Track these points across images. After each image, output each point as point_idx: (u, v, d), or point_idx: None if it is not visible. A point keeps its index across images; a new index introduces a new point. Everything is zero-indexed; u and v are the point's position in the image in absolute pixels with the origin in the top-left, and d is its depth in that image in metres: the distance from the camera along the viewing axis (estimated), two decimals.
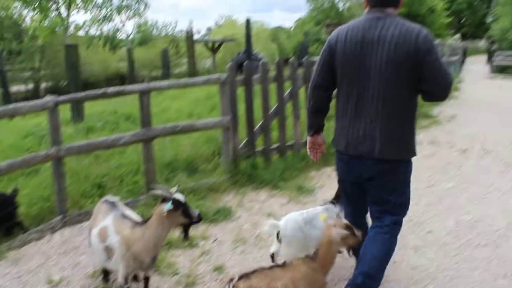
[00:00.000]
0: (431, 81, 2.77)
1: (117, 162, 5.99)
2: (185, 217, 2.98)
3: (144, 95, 4.89)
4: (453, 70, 19.36)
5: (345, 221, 2.98)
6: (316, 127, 3.26)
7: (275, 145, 6.18)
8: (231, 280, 2.63)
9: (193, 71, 20.41)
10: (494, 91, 14.64)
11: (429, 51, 2.72)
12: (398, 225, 3.13)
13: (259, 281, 2.66)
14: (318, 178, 5.91)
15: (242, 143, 5.87)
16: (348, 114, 2.96)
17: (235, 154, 5.68)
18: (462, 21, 49.55)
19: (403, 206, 3.12)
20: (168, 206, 2.89)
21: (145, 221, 3.10)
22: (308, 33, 32.84)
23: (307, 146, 3.40)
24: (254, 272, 2.71)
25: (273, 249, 3.63)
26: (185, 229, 3.10)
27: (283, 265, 2.87)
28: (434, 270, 3.80)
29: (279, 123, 6.12)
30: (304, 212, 3.67)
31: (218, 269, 3.80)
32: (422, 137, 8.15)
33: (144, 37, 38.37)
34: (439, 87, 2.80)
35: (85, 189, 5.24)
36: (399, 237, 3.21)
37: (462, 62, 24.92)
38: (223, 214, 4.79)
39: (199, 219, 3.02)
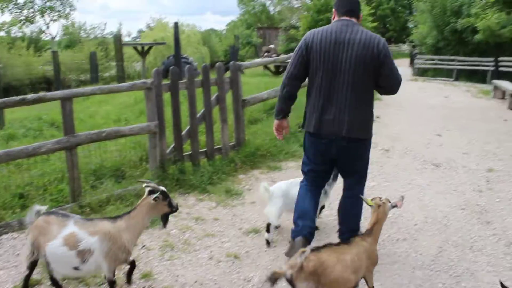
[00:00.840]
0: (388, 78, 3.62)
1: (41, 170, 5.80)
2: (169, 206, 3.51)
3: (66, 101, 4.77)
4: None
5: (383, 198, 3.54)
6: (285, 112, 3.99)
7: (203, 150, 6.21)
8: (303, 252, 2.95)
9: (122, 75, 20.00)
10: (415, 92, 15.41)
11: (387, 55, 3.56)
12: (362, 189, 3.99)
13: (329, 254, 3.04)
14: (246, 181, 6.00)
15: (170, 148, 5.86)
16: (320, 101, 3.64)
17: (163, 159, 5.66)
18: (386, 26, 51.65)
19: (365, 175, 4.00)
20: (157, 195, 3.36)
21: (125, 214, 3.41)
22: (238, 36, 32.99)
23: (274, 128, 4.13)
24: (324, 246, 3.12)
25: (266, 236, 4.35)
26: (166, 217, 3.61)
27: (347, 242, 3.32)
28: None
29: (206, 127, 6.16)
30: (289, 181, 4.50)
31: (146, 276, 3.78)
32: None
33: (72, 40, 37.17)
34: (394, 83, 3.66)
35: (5, 200, 5.03)
36: (323, 236, 4.33)
37: None
38: (151, 220, 4.75)
39: (177, 208, 3.61)
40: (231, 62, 6.51)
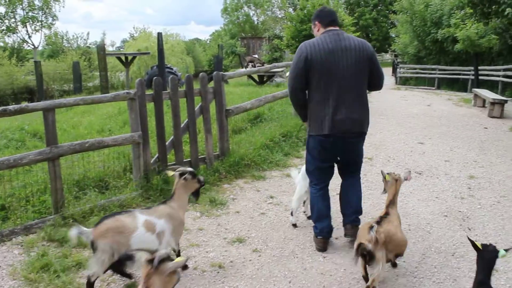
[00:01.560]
0: (377, 76, 4.20)
1: (23, 181, 5.73)
2: (198, 182, 4.06)
3: (48, 112, 4.74)
4: None
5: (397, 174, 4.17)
6: (304, 115, 4.36)
7: (187, 160, 6.20)
8: (372, 227, 3.53)
9: (105, 85, 19.91)
10: (398, 101, 15.60)
11: (375, 55, 4.17)
12: (360, 175, 4.57)
13: (387, 225, 3.67)
14: (230, 191, 6.00)
15: (154, 158, 5.84)
16: (331, 105, 4.03)
17: (147, 170, 5.64)
18: (369, 35, 52.24)
19: (361, 163, 4.57)
20: (186, 175, 3.92)
21: (169, 198, 3.95)
22: (222, 46, 33.07)
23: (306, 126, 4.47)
24: (380, 219, 3.72)
25: (291, 219, 4.98)
26: (197, 193, 4.17)
27: (387, 212, 3.89)
28: (341, 274, 4.01)
29: (190, 137, 6.16)
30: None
31: (131, 286, 3.76)
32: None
33: (54, 49, 36.92)
34: (381, 79, 4.29)
35: None
36: (308, 245, 4.50)
37: None
38: None
39: (204, 183, 4.21)
40: (215, 72, 6.53)
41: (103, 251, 3.42)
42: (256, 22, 60.27)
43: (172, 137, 5.99)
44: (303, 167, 4.85)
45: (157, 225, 3.64)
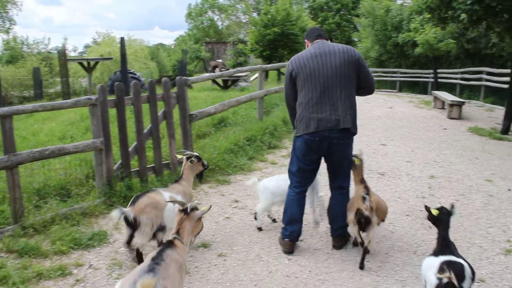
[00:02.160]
0: (367, 79, 4.32)
1: None
2: (202, 166, 4.82)
3: (5, 119, 4.61)
4: None
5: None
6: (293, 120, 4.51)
7: (151, 165, 6.14)
8: (365, 197, 4.13)
9: (67, 91, 19.50)
10: (361, 104, 15.70)
11: (363, 60, 4.32)
12: (349, 188, 4.61)
13: (373, 196, 4.27)
14: (195, 196, 5.95)
15: (117, 165, 5.76)
16: (316, 104, 4.18)
17: (110, 176, 5.55)
18: (333, 40, 52.92)
19: (350, 175, 4.59)
20: (192, 158, 4.67)
21: (179, 178, 4.68)
22: (186, 51, 32.90)
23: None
24: (367, 192, 4.26)
25: (255, 223, 5.07)
26: (201, 175, 5.03)
27: (366, 187, 4.43)
28: (306, 276, 4.05)
29: (153, 143, 6.09)
30: (274, 177, 5.16)
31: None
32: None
33: (13, 55, 35.88)
34: (371, 83, 4.40)
35: None
36: (273, 248, 4.57)
37: None
38: (98, 239, 4.64)
39: (208, 166, 4.98)
40: (177, 77, 6.48)
41: (145, 224, 4.02)
42: (220, 27, 60.19)
43: (135, 143, 5.91)
44: (265, 180, 5.07)
45: (178, 199, 4.11)
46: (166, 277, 2.82)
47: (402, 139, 9.79)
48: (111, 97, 5.65)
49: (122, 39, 15.16)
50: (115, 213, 3.95)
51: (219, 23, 61.81)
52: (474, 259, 4.32)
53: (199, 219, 3.42)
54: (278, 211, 5.40)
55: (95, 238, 4.64)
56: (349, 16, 48.08)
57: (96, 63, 22.74)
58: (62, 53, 20.63)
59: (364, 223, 4.12)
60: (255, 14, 38.69)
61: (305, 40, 4.57)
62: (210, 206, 3.68)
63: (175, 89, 6.47)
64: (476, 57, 18.75)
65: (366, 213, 4.07)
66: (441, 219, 3.59)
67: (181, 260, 3.09)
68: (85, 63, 22.02)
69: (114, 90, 5.62)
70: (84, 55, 42.54)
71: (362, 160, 4.65)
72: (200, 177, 5.12)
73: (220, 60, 27.24)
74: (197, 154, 4.82)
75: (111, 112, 5.61)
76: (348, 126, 4.19)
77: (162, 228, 4.17)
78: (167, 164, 6.32)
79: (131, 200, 4.17)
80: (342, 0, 48.63)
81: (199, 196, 5.97)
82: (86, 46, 46.88)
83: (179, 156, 4.82)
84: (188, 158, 4.71)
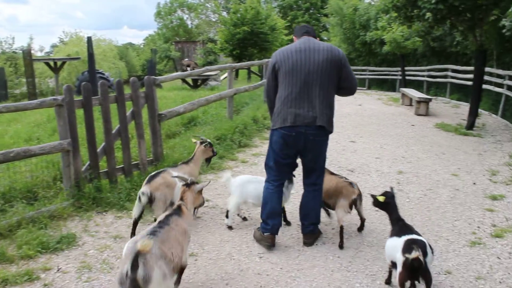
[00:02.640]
0: (348, 80, 4.35)
1: None
2: (212, 152, 5.55)
3: None
4: None
5: None
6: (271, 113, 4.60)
7: (120, 166, 6.07)
8: (352, 183, 4.73)
9: (33, 92, 19.08)
10: None
11: (346, 60, 4.34)
12: (322, 185, 4.67)
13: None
14: None
15: (85, 166, 5.66)
16: (294, 99, 4.25)
17: (78, 178, 5.46)
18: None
19: (324, 173, 4.70)
20: (207, 143, 5.41)
21: (190, 159, 5.34)
22: (155, 50, 32.61)
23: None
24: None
25: (226, 221, 5.08)
26: (209, 160, 5.75)
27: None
28: (278, 273, 4.06)
29: (122, 143, 6.02)
30: (249, 176, 5.23)
31: None
32: (266, 148, 8.60)
33: None
34: (353, 83, 4.42)
35: None
36: (244, 246, 4.55)
37: None
38: (67, 242, 4.55)
39: (216, 153, 5.73)
40: (146, 77, 6.42)
41: (159, 200, 4.64)
42: (190, 26, 59.85)
43: (103, 143, 5.82)
44: (239, 177, 5.14)
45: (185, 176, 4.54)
46: (165, 240, 3.23)
47: (371, 136, 9.93)
48: (79, 98, 5.55)
49: (89, 38, 14.87)
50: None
51: (188, 22, 61.48)
52: (441, 252, 4.43)
53: (199, 192, 3.98)
54: (249, 210, 5.42)
55: (63, 241, 4.55)
56: (318, 15, 48.45)
57: (63, 63, 22.32)
58: (27, 53, 20.17)
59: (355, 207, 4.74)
60: (224, 13, 38.59)
61: (293, 36, 4.63)
62: (209, 181, 4.56)
63: (144, 89, 6.40)
64: (442, 55, 19.15)
65: (355, 196, 4.64)
66: (389, 203, 3.94)
67: (185, 226, 3.59)
68: (51, 63, 21.58)
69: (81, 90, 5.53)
70: (51, 55, 41.63)
71: None
72: (208, 162, 5.80)
73: (191, 60, 27.07)
74: (209, 140, 5.57)
75: (79, 113, 5.51)
76: (324, 124, 4.27)
77: (172, 204, 4.57)
78: (137, 165, 6.25)
79: (146, 179, 4.78)
80: None
81: None
82: (53, 46, 45.89)
83: (194, 140, 5.59)
84: (202, 143, 5.45)
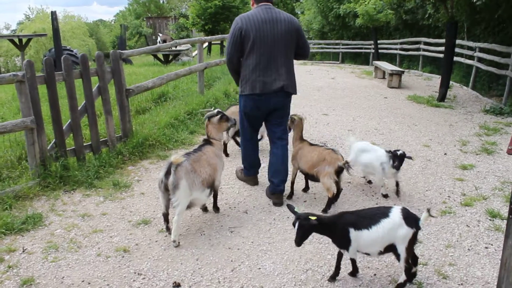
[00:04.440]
0: (304, 46, 4.84)
1: None
2: (227, 121, 4.74)
3: None
4: None
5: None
6: (237, 80, 4.94)
7: (87, 144, 5.90)
8: (334, 149, 4.77)
9: None
10: (303, 76, 15.87)
11: (302, 30, 4.83)
12: (287, 138, 5.08)
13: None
14: (135, 173, 5.81)
15: (51, 144, 5.49)
16: (262, 67, 4.62)
17: (43, 157, 5.29)
18: None
19: (287, 128, 5.07)
20: (217, 117, 4.62)
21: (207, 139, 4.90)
22: (125, 26, 31.90)
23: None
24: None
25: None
26: (228, 130, 5.48)
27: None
28: (249, 247, 4.03)
29: (89, 120, 5.84)
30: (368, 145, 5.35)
31: (27, 282, 3.51)
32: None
33: None
34: (307, 49, 4.92)
35: None
36: (215, 221, 4.53)
37: None
38: (33, 222, 4.41)
39: (235, 122, 4.84)
40: (112, 51, 6.21)
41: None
42: (161, 1, 58.67)
43: (69, 120, 5.64)
44: (360, 143, 5.38)
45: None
46: (196, 160, 4.11)
47: (343, 109, 9.91)
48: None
49: (53, 13, 14.29)
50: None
51: None
52: None
53: (220, 121, 4.58)
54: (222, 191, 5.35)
55: (29, 222, 4.41)
56: None
57: (29, 40, 21.61)
58: None
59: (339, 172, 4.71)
60: None
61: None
62: (218, 112, 4.67)
63: (110, 64, 6.20)
64: (414, 28, 19.18)
65: (341, 163, 4.64)
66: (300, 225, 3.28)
67: (218, 152, 4.48)
68: (16, 40, 20.88)
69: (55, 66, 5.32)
70: (14, 32, 40.31)
71: (302, 119, 5.07)
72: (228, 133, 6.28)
73: (167, 36, 26.52)
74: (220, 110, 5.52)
75: (43, 90, 5.31)
76: (289, 90, 4.77)
77: None
78: (105, 142, 6.10)
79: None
80: None
81: (139, 173, 5.82)
82: (19, 23, 44.51)
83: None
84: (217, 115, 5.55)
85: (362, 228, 3.24)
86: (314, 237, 4.16)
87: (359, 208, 4.78)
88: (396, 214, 3.23)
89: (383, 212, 3.28)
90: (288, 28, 4.61)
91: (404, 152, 4.88)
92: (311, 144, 5.00)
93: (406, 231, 3.17)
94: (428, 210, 3.26)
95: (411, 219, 3.22)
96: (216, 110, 4.62)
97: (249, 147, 5.23)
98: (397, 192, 5.12)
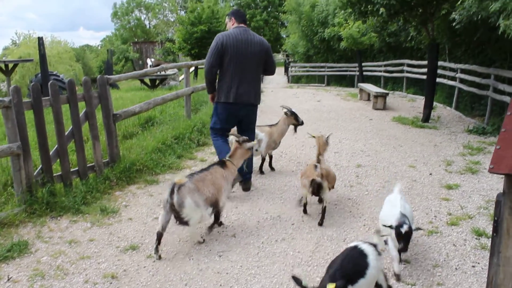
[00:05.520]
0: (271, 65, 5.86)
1: None
2: (296, 120, 6.63)
3: None
4: None
5: None
6: (213, 89, 5.72)
7: (75, 169, 5.88)
8: (316, 166, 4.99)
9: None
10: (290, 99, 16.06)
11: (270, 49, 5.79)
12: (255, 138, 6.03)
13: (323, 165, 5.13)
14: (122, 198, 5.78)
15: (37, 170, 5.46)
16: (235, 81, 5.51)
17: (30, 182, 5.25)
18: (261, 35, 53.26)
19: (254, 131, 6.07)
20: (288, 113, 6.61)
21: (275, 123, 6.69)
22: (112, 51, 32.03)
23: (209, 98, 5.96)
24: (318, 161, 5.12)
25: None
26: (295, 127, 6.80)
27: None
28: (237, 271, 4.02)
29: (76, 145, 5.83)
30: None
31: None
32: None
33: None
34: (274, 67, 5.98)
35: None
36: (203, 246, 4.52)
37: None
38: (18, 250, 4.35)
39: (302, 122, 6.74)
40: (99, 76, 6.24)
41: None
42: (148, 26, 59.13)
43: (56, 146, 5.62)
44: (390, 196, 4.33)
45: (259, 135, 6.47)
46: (200, 180, 4.39)
47: (330, 131, 9.98)
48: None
49: (39, 38, 14.40)
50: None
51: (146, 22, 60.74)
52: None
53: (248, 149, 5.03)
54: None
55: (14, 249, 4.35)
56: (276, 13, 48.68)
57: (15, 65, 21.59)
58: None
59: (317, 188, 4.85)
60: (182, 12, 38.25)
61: (232, 17, 5.68)
62: (256, 142, 5.99)
63: (97, 89, 6.22)
64: (398, 50, 19.50)
65: (318, 179, 4.83)
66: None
67: (226, 174, 4.69)
68: (2, 66, 20.84)
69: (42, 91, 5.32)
70: (4, 58, 40.28)
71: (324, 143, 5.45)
72: (295, 130, 6.89)
73: (153, 59, 26.61)
74: (293, 110, 6.75)
75: (30, 116, 5.30)
76: (256, 103, 5.80)
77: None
78: (92, 167, 6.08)
79: None
80: None
81: (126, 198, 5.79)
82: (5, 48, 44.46)
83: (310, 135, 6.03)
84: (286, 114, 6.70)
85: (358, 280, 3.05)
86: (303, 259, 4.18)
87: (347, 229, 4.81)
88: (370, 251, 3.21)
89: (360, 253, 3.18)
90: (260, 49, 5.54)
91: (409, 225, 3.71)
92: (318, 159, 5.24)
93: (381, 261, 3.21)
94: (377, 232, 3.32)
95: (376, 247, 3.25)
96: (242, 138, 5.10)
97: (220, 142, 5.85)
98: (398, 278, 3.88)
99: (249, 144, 5.02)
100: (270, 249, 4.42)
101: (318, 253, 4.33)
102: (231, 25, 5.67)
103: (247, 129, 5.84)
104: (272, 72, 5.96)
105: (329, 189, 5.19)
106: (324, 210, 4.99)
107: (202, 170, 4.62)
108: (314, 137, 5.45)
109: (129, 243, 4.56)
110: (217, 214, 4.73)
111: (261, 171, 6.87)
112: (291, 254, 4.31)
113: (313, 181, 4.82)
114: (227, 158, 4.88)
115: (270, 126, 6.73)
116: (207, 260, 4.21)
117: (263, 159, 6.88)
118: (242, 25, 5.62)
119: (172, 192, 4.11)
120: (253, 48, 5.48)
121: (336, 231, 4.79)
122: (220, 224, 4.91)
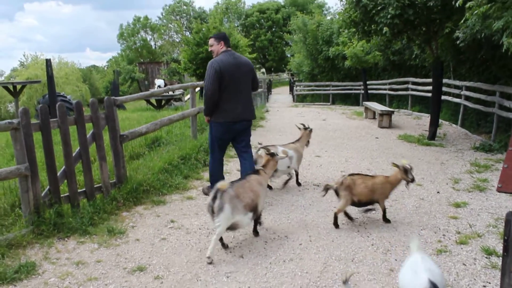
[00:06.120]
0: (256, 83, 6.37)
1: None
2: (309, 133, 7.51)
3: None
4: (259, 101, 20.82)
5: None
6: (212, 112, 6.10)
7: (82, 190, 5.90)
8: (344, 175, 5.45)
9: None
10: (295, 118, 16.10)
11: (254, 69, 6.35)
12: (251, 149, 6.47)
13: (358, 177, 5.44)
14: (130, 218, 5.78)
15: (45, 191, 5.48)
16: (232, 102, 5.98)
17: (37, 204, 5.26)
18: (266, 56, 53.70)
19: (250, 141, 6.45)
20: (310, 129, 7.48)
21: (297, 140, 7.31)
22: (118, 71, 32.31)
23: (206, 119, 6.30)
24: (356, 174, 5.60)
25: None
26: (308, 143, 7.55)
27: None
28: None
29: (83, 166, 5.86)
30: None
31: None
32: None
33: None
34: (257, 85, 6.52)
35: None
36: (211, 267, 4.48)
37: (268, 93, 27.11)
38: (26, 271, 4.34)
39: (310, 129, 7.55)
40: (106, 97, 6.29)
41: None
42: (154, 47, 59.71)
43: (64, 167, 5.65)
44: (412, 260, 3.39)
45: (289, 152, 6.79)
46: (239, 187, 4.76)
47: (336, 150, 10.00)
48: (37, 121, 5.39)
49: (47, 60, 14.60)
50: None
51: (152, 43, 61.35)
52: None
53: (277, 161, 5.55)
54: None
55: (22, 271, 4.34)
56: (280, 32, 49.04)
57: (23, 86, 21.81)
58: None
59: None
60: (188, 33, 38.65)
61: (222, 42, 6.12)
62: (286, 155, 6.39)
63: (104, 110, 6.27)
64: (402, 68, 19.59)
65: (334, 186, 5.41)
66: None
67: (261, 180, 5.13)
68: (11, 87, 21.06)
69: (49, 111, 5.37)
70: (12, 79, 40.74)
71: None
72: (307, 145, 7.47)
73: (161, 80, 26.79)
74: (311, 128, 7.54)
75: (38, 137, 5.35)
76: (251, 118, 6.27)
77: (276, 170, 6.07)
78: (99, 188, 6.10)
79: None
80: (273, 17, 49.45)
81: (133, 218, 5.79)
82: (14, 70, 44.97)
83: (298, 125, 7.53)
84: (305, 128, 7.37)
85: None
86: (311, 280, 4.15)
87: (355, 249, 4.78)
88: None
89: None
90: (248, 69, 6.11)
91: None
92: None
93: None
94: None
95: None
96: (273, 151, 5.68)
97: (215, 166, 6.34)
98: None
99: (279, 157, 5.64)
100: (278, 269, 4.40)
101: (327, 273, 4.29)
102: (219, 48, 6.12)
103: (243, 141, 6.29)
104: (256, 88, 6.48)
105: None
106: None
107: (241, 178, 5.08)
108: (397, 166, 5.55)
109: (136, 264, 4.54)
110: (256, 218, 5.13)
111: (298, 183, 7.32)
112: (299, 275, 4.27)
113: (325, 186, 5.51)
114: (260, 168, 5.37)
115: (294, 142, 7.26)
116: (215, 281, 4.18)
117: (297, 173, 7.31)
118: (229, 48, 6.15)
119: (215, 197, 4.50)
120: (244, 69, 6.03)
121: (344, 251, 4.76)
122: (260, 223, 5.38)
